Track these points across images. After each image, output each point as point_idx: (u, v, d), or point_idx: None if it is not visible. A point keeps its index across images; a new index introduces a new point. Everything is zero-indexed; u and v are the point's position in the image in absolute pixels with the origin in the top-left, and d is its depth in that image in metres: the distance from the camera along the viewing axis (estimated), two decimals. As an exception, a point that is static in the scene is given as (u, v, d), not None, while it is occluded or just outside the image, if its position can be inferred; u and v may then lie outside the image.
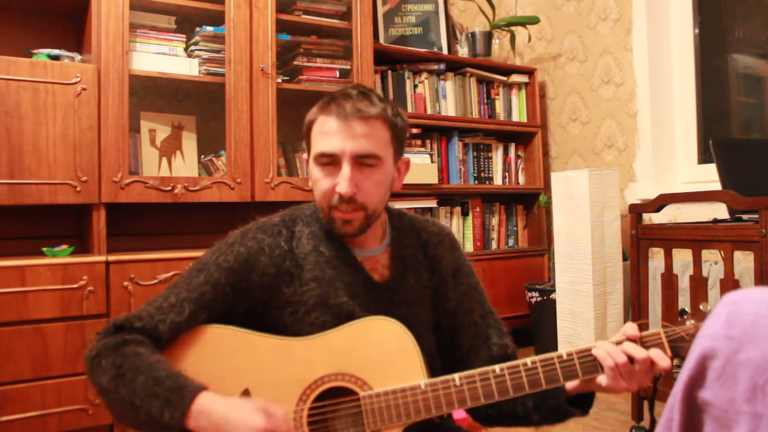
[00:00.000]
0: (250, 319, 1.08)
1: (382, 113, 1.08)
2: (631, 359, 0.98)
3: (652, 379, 1.00)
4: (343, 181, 1.04)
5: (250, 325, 1.08)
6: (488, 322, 1.19)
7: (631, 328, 1.01)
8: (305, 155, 1.19)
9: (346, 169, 1.04)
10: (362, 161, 1.06)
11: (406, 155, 1.18)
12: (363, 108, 1.06)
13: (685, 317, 1.02)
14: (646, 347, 0.99)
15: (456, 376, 1.00)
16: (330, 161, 1.06)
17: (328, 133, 1.06)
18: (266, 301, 1.08)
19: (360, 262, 1.12)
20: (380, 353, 1.02)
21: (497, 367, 1.00)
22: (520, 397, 1.06)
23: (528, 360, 1.01)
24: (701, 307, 1.01)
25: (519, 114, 3.54)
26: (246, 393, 1.00)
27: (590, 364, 1.00)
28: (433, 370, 1.06)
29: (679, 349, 0.99)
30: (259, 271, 1.08)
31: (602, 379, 1.00)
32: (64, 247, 2.18)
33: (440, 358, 1.16)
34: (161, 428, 0.93)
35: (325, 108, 1.08)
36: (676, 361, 2.35)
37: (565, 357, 1.00)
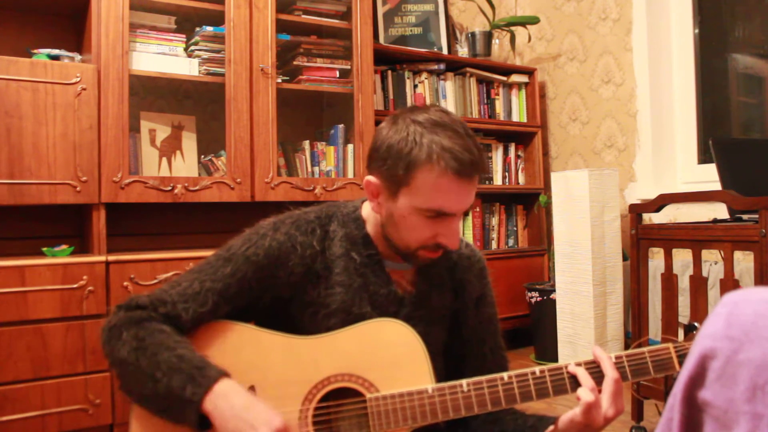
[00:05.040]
0: (271, 312, 1.08)
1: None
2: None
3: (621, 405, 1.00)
4: (454, 238, 1.03)
5: (270, 318, 1.07)
6: (495, 358, 1.19)
7: (599, 350, 1.01)
8: (372, 178, 1.06)
9: (456, 226, 1.04)
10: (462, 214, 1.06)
11: None
12: (478, 165, 1.01)
13: (695, 332, 1.02)
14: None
15: (464, 381, 0.99)
16: (437, 215, 1.01)
17: (445, 191, 0.99)
18: (289, 298, 1.08)
19: (388, 273, 1.11)
20: (388, 355, 1.01)
21: (505, 375, 0.99)
22: None
23: (536, 369, 1.00)
24: None
25: (519, 114, 3.54)
26: (251, 390, 1.00)
27: (598, 374, 0.99)
28: None
29: None
30: (287, 270, 1.06)
31: (576, 413, 0.97)
32: (64, 247, 2.18)
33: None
34: (180, 403, 0.92)
35: (439, 159, 0.98)
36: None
37: (573, 366, 1.00)
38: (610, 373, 0.97)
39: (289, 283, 1.07)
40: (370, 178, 1.07)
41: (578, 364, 1.00)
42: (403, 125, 1.02)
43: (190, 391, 0.91)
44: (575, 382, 0.99)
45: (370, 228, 1.12)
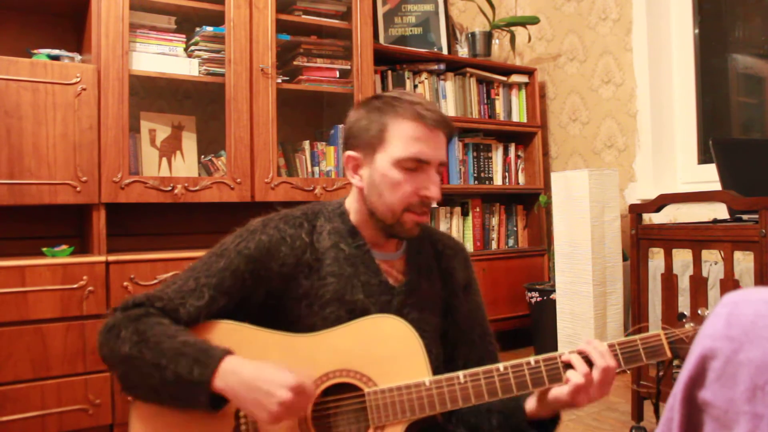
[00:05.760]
0: (266, 308, 1.09)
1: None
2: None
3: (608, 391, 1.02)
4: (434, 187, 1.08)
5: (266, 314, 1.09)
6: (485, 343, 1.22)
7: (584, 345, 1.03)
8: (351, 153, 1.13)
9: (435, 176, 1.09)
10: (439, 168, 1.11)
11: None
12: (444, 118, 1.11)
13: (684, 320, 1.04)
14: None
15: (460, 373, 1.01)
16: (416, 167, 1.08)
17: (419, 139, 1.07)
18: (283, 291, 1.09)
19: (377, 263, 1.14)
20: (385, 350, 1.03)
21: (501, 366, 1.01)
22: (487, 414, 1.09)
23: (531, 359, 1.02)
24: (699, 312, 1.03)
25: (519, 114, 3.54)
26: None
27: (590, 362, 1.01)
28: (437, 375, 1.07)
29: (678, 351, 1.00)
30: (279, 261, 1.09)
31: (563, 392, 1.00)
32: (64, 247, 2.18)
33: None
34: (189, 386, 0.93)
35: (407, 112, 1.08)
36: (676, 361, 2.34)
37: (566, 355, 1.02)
38: (600, 363, 0.99)
39: (281, 275, 1.09)
40: (349, 152, 1.14)
41: (572, 352, 1.02)
42: (371, 103, 1.13)
43: (197, 373, 0.93)
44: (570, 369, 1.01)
45: (354, 218, 1.15)
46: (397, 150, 1.07)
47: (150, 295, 1.04)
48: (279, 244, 1.09)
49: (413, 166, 1.07)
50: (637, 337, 1.04)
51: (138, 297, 1.04)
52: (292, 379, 0.91)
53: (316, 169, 2.77)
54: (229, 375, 0.93)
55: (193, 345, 0.96)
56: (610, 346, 1.02)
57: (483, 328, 1.23)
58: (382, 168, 1.09)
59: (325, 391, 1.02)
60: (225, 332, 1.04)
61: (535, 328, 3.15)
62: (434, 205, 1.09)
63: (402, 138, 1.07)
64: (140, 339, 0.97)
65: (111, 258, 2.11)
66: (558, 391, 1.00)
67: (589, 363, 1.00)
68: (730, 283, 1.83)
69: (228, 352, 0.96)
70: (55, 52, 2.23)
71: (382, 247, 1.16)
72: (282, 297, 1.10)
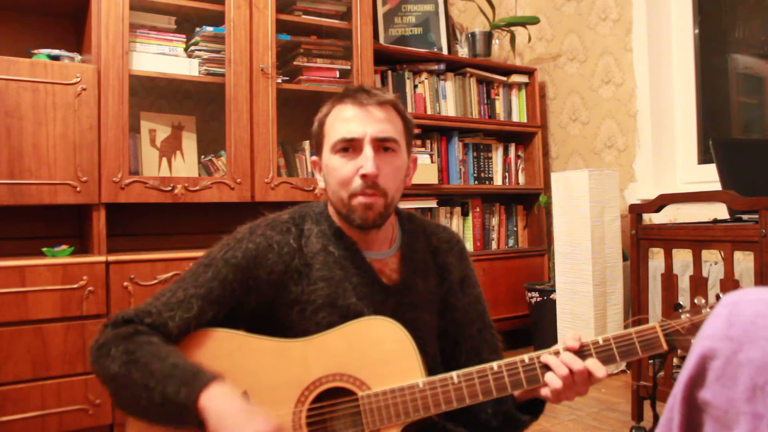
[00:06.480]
0: (258, 316, 1.08)
1: (396, 101, 1.12)
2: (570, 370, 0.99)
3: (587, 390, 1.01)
4: (366, 162, 1.04)
5: (258, 323, 1.07)
6: (484, 337, 1.20)
7: (571, 340, 1.02)
8: (313, 157, 1.19)
9: (368, 150, 1.05)
10: (382, 145, 1.07)
11: (413, 154, 1.19)
12: (379, 94, 1.09)
13: (680, 311, 1.03)
14: (584, 357, 1.00)
15: (454, 374, 1.00)
16: (350, 147, 1.06)
17: (347, 119, 1.07)
18: (274, 299, 1.08)
19: (369, 263, 1.12)
20: (378, 353, 1.01)
21: (495, 365, 1.00)
22: (483, 404, 1.07)
23: (525, 356, 1.01)
24: (696, 301, 1.02)
25: (519, 114, 3.54)
26: (244, 395, 1.00)
27: (580, 356, 1.01)
28: (434, 375, 1.06)
29: (674, 342, 0.99)
30: (267, 268, 1.07)
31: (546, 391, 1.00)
32: (64, 247, 2.18)
33: (442, 365, 1.16)
34: (176, 408, 0.92)
35: (339, 100, 1.10)
36: (676, 361, 2.34)
37: (561, 352, 1.01)
38: (577, 366, 0.99)
39: (270, 282, 1.08)
40: (312, 158, 1.18)
41: (563, 349, 1.01)
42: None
43: (184, 394, 0.91)
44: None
45: (336, 219, 1.14)
46: (331, 137, 1.08)
47: (139, 310, 1.03)
48: (266, 252, 1.08)
49: (345, 146, 1.06)
50: (632, 330, 1.02)
51: (128, 313, 1.02)
52: (270, 427, 0.90)
53: (316, 169, 2.77)
54: (214, 399, 0.91)
55: (182, 368, 0.94)
56: (605, 340, 1.01)
57: (483, 322, 1.20)
58: (326, 159, 1.10)
59: (320, 396, 1.01)
60: (219, 340, 1.03)
61: (535, 328, 3.15)
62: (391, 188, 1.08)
63: (333, 124, 1.09)
64: (129, 359, 0.96)
65: (111, 258, 2.11)
66: (539, 388, 1.01)
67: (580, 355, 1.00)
68: (730, 283, 1.83)
69: (217, 377, 0.94)
70: (55, 52, 2.23)
71: (372, 246, 1.13)
72: (273, 304, 1.08)
